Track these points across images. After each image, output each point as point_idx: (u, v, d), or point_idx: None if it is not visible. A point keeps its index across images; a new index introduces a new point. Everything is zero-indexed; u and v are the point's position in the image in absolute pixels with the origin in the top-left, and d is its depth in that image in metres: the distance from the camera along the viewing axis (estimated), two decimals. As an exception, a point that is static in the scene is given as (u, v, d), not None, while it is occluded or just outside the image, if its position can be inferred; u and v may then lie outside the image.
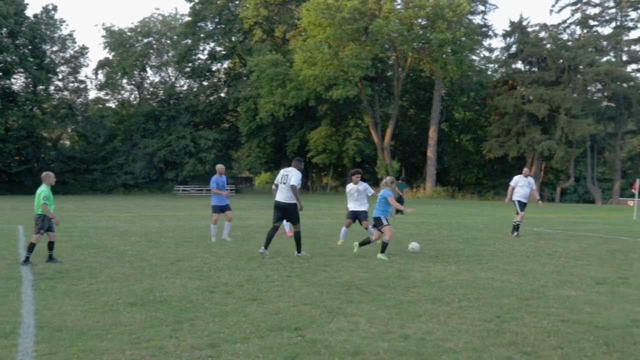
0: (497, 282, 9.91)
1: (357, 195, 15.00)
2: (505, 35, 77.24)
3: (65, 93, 73.57)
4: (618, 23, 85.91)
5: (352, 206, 15.04)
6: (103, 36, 79.37)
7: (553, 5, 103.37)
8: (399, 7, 63.45)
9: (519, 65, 76.74)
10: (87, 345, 5.97)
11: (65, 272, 10.56)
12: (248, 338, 6.30)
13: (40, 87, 68.77)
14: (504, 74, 76.72)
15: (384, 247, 12.92)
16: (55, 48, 71.67)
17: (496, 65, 79.63)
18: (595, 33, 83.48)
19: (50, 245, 11.99)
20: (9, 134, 63.16)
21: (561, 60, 71.62)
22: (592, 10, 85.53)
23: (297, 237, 13.06)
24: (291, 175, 13.01)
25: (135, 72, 78.82)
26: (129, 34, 78.94)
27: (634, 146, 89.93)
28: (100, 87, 79.02)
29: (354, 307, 7.90)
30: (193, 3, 74.51)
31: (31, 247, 11.61)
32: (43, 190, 11.80)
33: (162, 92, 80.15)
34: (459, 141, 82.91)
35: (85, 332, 6.50)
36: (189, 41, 76.01)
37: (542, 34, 76.84)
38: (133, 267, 11.29)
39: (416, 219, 26.46)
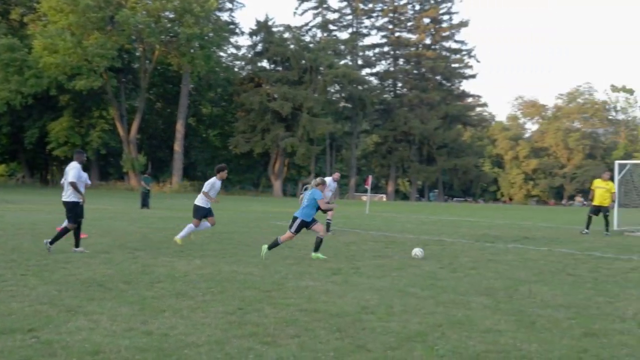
0: (241, 275, 10.06)
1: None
2: (252, 33, 78.91)
3: None
4: (354, 29, 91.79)
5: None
6: None
7: (296, 8, 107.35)
8: (146, -2, 62.08)
9: (265, 63, 78.80)
10: None
11: None
12: (-29, 345, 5.74)
13: None
14: (250, 72, 78.31)
15: (273, 245, 12.38)
16: None
17: (243, 63, 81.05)
18: (334, 37, 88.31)
19: None
20: None
21: (304, 61, 74.74)
22: (331, 16, 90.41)
23: (64, 232, 12.34)
24: (69, 170, 12.27)
25: None
26: None
27: (368, 145, 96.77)
28: None
29: (95, 304, 7.55)
30: None
31: None
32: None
33: None
34: (206, 136, 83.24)
35: None
36: None
37: (287, 35, 79.62)
38: None
39: (163, 214, 26.10)
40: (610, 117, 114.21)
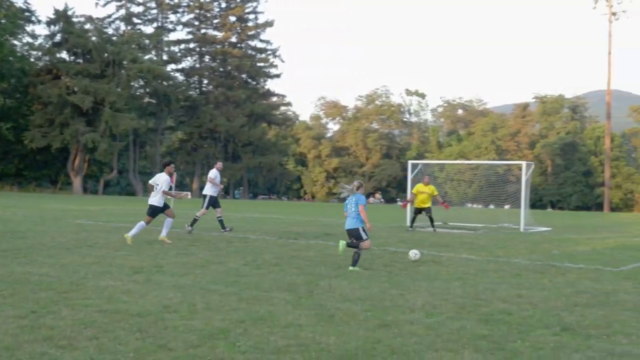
0: (35, 276, 9.54)
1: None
2: (50, 23, 74.62)
3: None
4: (159, 24, 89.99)
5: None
6: None
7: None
8: None
9: (64, 55, 74.92)
10: None
11: None
12: None
13: None
14: (48, 63, 74.06)
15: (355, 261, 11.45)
16: None
17: (40, 53, 76.41)
18: (139, 31, 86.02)
19: None
20: None
21: (106, 54, 72.10)
22: (136, 9, 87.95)
23: None
24: None
25: None
26: None
27: (173, 142, 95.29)
28: None
29: None
30: None
31: None
32: None
33: None
34: (-2, 130, 77.59)
35: None
36: None
37: (88, 26, 76.32)
38: None
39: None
40: (404, 119, 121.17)
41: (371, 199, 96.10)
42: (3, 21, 60.94)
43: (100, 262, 11.46)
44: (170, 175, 15.66)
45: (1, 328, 6.34)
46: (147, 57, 79.24)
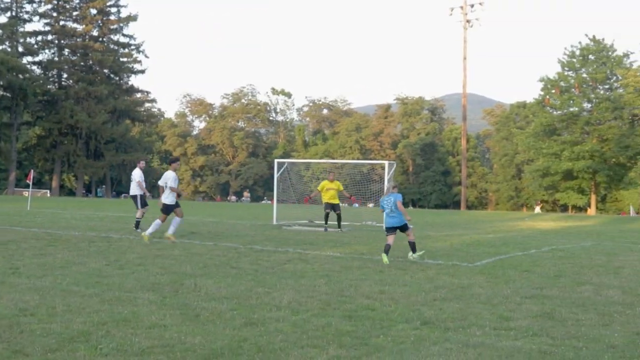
0: None
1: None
2: None
3: None
4: (14, 13, 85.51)
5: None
6: None
7: None
8: None
9: None
10: None
11: None
12: None
13: None
14: None
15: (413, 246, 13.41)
16: None
17: None
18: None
19: None
20: None
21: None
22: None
23: None
24: None
25: None
26: None
27: (30, 137, 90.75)
28: None
29: None
30: None
31: None
32: None
33: None
34: None
35: None
36: None
37: None
38: None
39: None
40: (271, 118, 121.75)
41: (244, 197, 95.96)
42: None
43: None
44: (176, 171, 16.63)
45: None
46: (0, 48, 75.04)
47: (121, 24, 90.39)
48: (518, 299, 9.01)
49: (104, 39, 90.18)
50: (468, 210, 70.17)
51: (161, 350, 5.89)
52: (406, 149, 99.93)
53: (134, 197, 19.61)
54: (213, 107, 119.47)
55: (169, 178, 16.07)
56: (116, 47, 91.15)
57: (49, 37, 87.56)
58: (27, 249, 13.56)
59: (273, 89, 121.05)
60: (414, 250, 13.44)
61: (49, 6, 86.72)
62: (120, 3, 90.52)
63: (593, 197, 69.27)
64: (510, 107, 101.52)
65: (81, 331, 6.44)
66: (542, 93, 70.43)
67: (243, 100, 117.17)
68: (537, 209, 67.73)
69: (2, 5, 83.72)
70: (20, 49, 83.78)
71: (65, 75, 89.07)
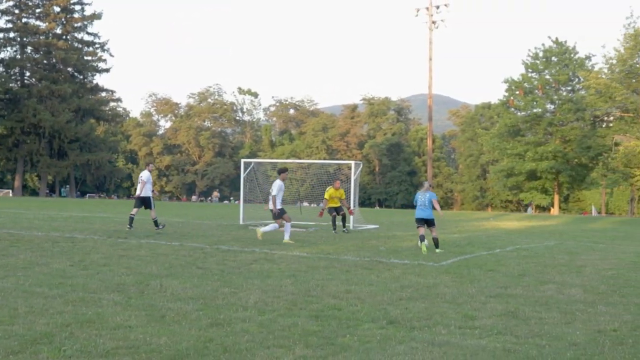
0: None
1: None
2: None
3: None
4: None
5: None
6: None
7: None
8: None
9: None
10: None
11: None
12: None
13: None
14: None
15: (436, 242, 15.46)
16: None
17: None
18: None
19: None
20: None
21: None
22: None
23: None
24: None
25: None
26: None
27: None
28: None
29: None
30: None
31: None
32: None
33: None
34: None
35: None
36: None
37: None
38: None
39: None
40: (237, 118, 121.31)
41: (212, 197, 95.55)
42: None
43: None
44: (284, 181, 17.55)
45: None
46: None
47: (85, 22, 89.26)
48: (483, 298, 9.11)
49: (68, 37, 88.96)
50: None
51: (126, 351, 5.84)
52: (372, 149, 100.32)
53: (147, 198, 20.71)
54: (179, 106, 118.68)
55: (273, 186, 17.22)
56: (80, 46, 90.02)
57: (11, 35, 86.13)
58: (-12, 249, 13.33)
59: (239, 88, 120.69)
60: (437, 245, 15.39)
61: (11, 3, 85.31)
62: (84, 1, 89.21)
63: (556, 197, 70.28)
64: (475, 108, 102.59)
65: (44, 333, 6.35)
66: (506, 94, 71.27)
67: (209, 100, 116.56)
68: (530, 210, 68.34)
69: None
70: None
71: (27, 74, 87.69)
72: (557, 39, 68.42)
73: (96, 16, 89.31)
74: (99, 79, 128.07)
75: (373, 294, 9.14)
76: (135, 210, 20.76)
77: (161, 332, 6.53)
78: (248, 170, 26.85)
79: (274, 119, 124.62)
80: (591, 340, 6.76)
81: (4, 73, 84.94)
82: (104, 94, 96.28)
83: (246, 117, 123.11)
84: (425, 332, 6.96)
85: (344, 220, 22.37)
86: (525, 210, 73.68)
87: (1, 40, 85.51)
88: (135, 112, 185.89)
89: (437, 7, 56.65)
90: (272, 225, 17.22)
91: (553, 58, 68.15)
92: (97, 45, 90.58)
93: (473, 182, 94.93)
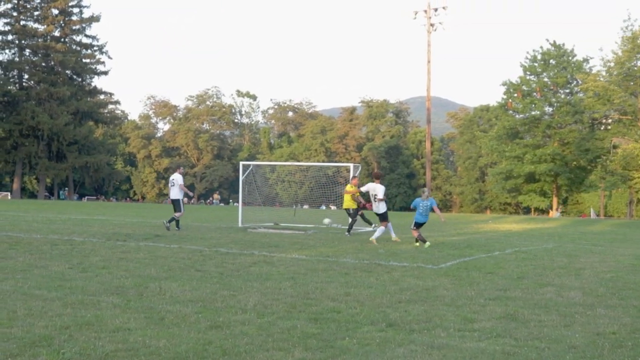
0: None
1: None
2: None
3: None
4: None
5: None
6: None
7: None
8: None
9: None
10: None
11: None
12: None
13: None
14: None
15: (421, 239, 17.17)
16: None
17: None
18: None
19: None
20: None
21: None
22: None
23: None
24: None
25: None
26: None
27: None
28: None
29: None
30: None
31: None
32: None
33: None
34: None
35: None
36: None
37: None
38: None
39: None
40: (236, 121, 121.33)
41: (213, 199, 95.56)
42: None
43: None
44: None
45: None
46: None
47: (84, 25, 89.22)
48: (482, 300, 9.11)
49: (66, 40, 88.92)
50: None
51: (125, 354, 5.83)
52: (371, 151, 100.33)
53: (177, 200, 21.41)
54: (177, 109, 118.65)
55: (377, 190, 18.39)
56: (79, 48, 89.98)
57: (9, 37, 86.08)
58: (-13, 252, 13.32)
59: (238, 91, 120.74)
60: (424, 241, 17.23)
61: (9, 5, 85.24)
62: (83, 3, 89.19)
63: (555, 200, 70.31)
64: (474, 111, 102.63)
65: (43, 335, 6.34)
66: (504, 97, 71.33)
67: (208, 103, 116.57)
68: (558, 213, 67.81)
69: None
70: None
71: (26, 76, 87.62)
72: (555, 41, 68.58)
73: (94, 19, 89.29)
74: (98, 82, 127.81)
75: (372, 297, 9.14)
76: (178, 213, 21.38)
77: (160, 335, 6.53)
78: (247, 173, 26.86)
79: (273, 121, 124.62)
80: (590, 343, 6.76)
81: (3, 75, 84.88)
82: (102, 96, 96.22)
83: (245, 120, 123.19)
84: (424, 334, 6.95)
85: (366, 220, 22.46)
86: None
87: (0, 43, 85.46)
88: (133, 114, 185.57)
89: (435, 10, 56.73)
90: (379, 230, 18.45)
91: (551, 61, 68.26)
92: (95, 48, 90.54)
93: (472, 185, 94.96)
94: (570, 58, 67.76)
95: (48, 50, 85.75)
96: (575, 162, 67.44)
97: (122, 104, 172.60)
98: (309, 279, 10.77)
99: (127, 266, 11.70)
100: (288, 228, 23.96)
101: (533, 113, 68.80)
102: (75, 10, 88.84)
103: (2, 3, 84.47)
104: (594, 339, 6.95)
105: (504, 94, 71.40)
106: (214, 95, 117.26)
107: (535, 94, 68.09)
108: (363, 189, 19.41)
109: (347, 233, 21.82)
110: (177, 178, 21.91)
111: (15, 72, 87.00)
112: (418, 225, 17.27)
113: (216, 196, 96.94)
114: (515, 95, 68.89)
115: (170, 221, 21.17)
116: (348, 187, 22.12)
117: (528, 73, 69.62)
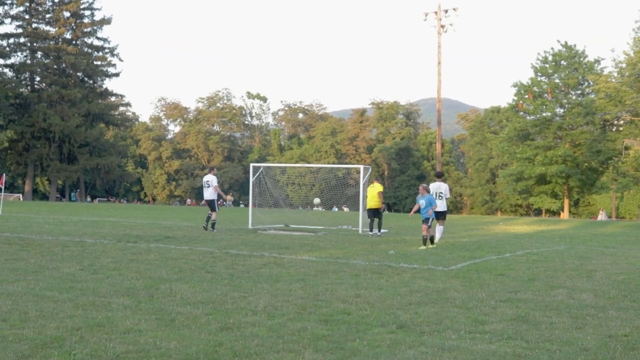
0: None
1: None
2: None
3: None
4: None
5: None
6: None
7: None
8: None
9: None
10: None
11: None
12: None
13: None
14: None
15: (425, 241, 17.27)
16: None
17: None
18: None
19: None
20: None
21: None
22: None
23: None
24: None
25: None
26: None
27: (1, 141, 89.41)
28: None
29: None
30: None
31: None
32: None
33: None
34: None
35: None
36: None
37: None
38: None
39: None
40: (246, 122, 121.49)
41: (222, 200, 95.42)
42: None
43: None
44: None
45: None
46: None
47: (95, 27, 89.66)
48: (493, 302, 9.07)
49: (78, 42, 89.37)
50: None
51: (136, 355, 5.84)
52: (381, 153, 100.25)
53: (212, 201, 22.04)
54: (188, 110, 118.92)
55: (442, 188, 18.90)
56: (90, 50, 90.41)
57: (21, 40, 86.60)
58: (-1, 253, 13.39)
59: (248, 93, 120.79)
60: (424, 241, 17.34)
61: (21, 8, 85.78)
62: (94, 6, 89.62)
63: (566, 201, 70.00)
64: (485, 112, 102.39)
65: (54, 337, 6.36)
66: (515, 98, 71.10)
67: (218, 104, 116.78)
68: (603, 216, 66.98)
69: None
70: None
71: (38, 79, 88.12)
72: (566, 42, 68.28)
73: (106, 21, 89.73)
74: (109, 84, 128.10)
75: (382, 299, 9.12)
76: (214, 214, 22.00)
77: (171, 336, 6.54)
78: (257, 175, 26.89)
79: (283, 123, 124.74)
80: (602, 345, 6.72)
81: (15, 78, 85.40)
82: (113, 98, 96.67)
83: (255, 122, 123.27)
84: (435, 336, 6.93)
85: (375, 224, 22.27)
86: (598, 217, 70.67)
87: (12, 46, 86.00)
88: (144, 116, 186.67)
89: (446, 11, 56.57)
90: (439, 229, 18.81)
91: (562, 62, 67.98)
92: (106, 50, 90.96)
93: (482, 186, 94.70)
94: (581, 59, 67.48)
95: (60, 52, 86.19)
96: (586, 164, 67.13)
97: (133, 106, 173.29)
98: (319, 280, 10.77)
99: (138, 268, 11.74)
100: (298, 230, 23.96)
101: (544, 114, 68.55)
102: (87, 12, 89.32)
103: (15, 6, 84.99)
104: (606, 341, 6.91)
105: (515, 95, 71.18)
106: (225, 97, 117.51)
107: (546, 95, 67.85)
108: (431, 187, 18.77)
109: (379, 232, 21.83)
110: (211, 179, 22.44)
111: (27, 75, 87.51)
112: (424, 220, 17.33)
113: (229, 197, 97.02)
114: (526, 96, 68.64)
115: (207, 220, 21.92)
116: (379, 187, 22.20)
117: (539, 74, 69.38)
